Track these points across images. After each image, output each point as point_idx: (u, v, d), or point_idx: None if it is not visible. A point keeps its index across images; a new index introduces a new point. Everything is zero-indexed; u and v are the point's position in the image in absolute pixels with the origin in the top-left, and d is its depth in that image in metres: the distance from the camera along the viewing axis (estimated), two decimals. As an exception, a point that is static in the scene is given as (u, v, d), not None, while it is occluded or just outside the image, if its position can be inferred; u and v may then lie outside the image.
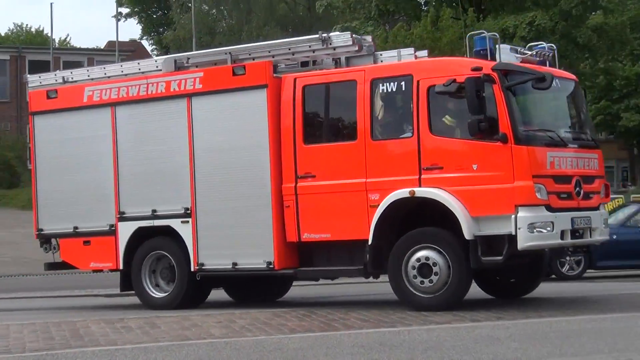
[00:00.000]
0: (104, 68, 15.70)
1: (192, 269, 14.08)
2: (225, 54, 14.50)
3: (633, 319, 11.56)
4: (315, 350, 9.73)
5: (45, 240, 15.41)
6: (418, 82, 12.75)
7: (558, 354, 9.26)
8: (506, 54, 12.96)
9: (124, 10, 63.79)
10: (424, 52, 14.56)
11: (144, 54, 50.66)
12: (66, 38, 72.76)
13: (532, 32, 35.95)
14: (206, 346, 10.11)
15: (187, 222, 14.06)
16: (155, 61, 15.23)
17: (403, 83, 12.92)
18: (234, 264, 13.88)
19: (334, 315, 12.64)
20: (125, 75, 15.05)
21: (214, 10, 58.98)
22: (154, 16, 66.11)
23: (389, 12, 40.39)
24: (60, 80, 15.61)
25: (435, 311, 12.38)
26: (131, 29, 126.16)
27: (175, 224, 14.17)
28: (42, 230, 15.37)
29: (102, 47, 59.92)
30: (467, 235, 12.31)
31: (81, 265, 15.42)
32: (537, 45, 13.76)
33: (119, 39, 45.51)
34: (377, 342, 10.14)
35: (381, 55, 14.08)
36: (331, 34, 14.13)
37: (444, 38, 31.11)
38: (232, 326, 11.75)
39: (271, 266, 13.52)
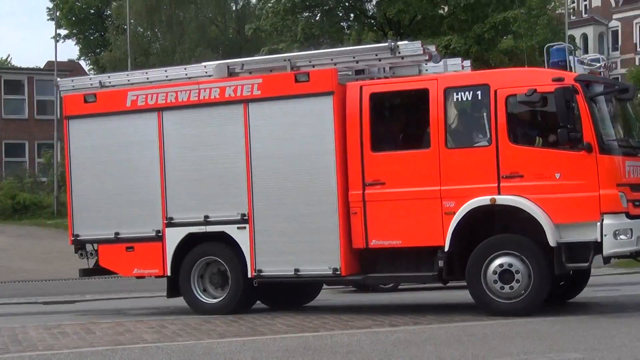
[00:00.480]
0: (147, 73, 14.96)
1: (249, 275, 13.40)
2: (285, 60, 13.88)
3: (543, 323, 11.78)
4: (242, 354, 9.84)
5: (82, 246, 14.39)
6: (495, 91, 12.40)
7: (470, 357, 9.48)
8: (576, 66, 12.87)
9: (63, 32, 63.59)
10: (467, 62, 14.17)
11: (82, 74, 50.41)
12: (7, 58, 72.48)
13: (448, 54, 36.68)
14: (139, 350, 10.16)
15: (244, 228, 13.35)
16: (205, 67, 14.47)
17: (479, 92, 12.57)
18: (296, 270, 13.19)
19: (260, 320, 12.72)
20: (170, 80, 14.33)
21: (148, 32, 58.87)
22: (91, 37, 65.84)
23: (314, 36, 40.90)
24: (97, 84, 14.74)
25: (515, 316, 12.17)
26: (69, 50, 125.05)
27: (230, 230, 13.44)
28: (78, 236, 14.30)
29: (41, 67, 59.37)
30: (552, 242, 12.07)
31: (123, 271, 14.48)
32: (595, 57, 13.73)
33: (58, 59, 45.12)
34: (301, 347, 10.27)
35: (425, 64, 13.55)
36: (399, 42, 13.66)
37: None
38: (164, 331, 11.79)
39: (338, 272, 12.96)
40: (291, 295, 14.74)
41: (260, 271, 13.32)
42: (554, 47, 12.98)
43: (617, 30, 67.85)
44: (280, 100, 13.20)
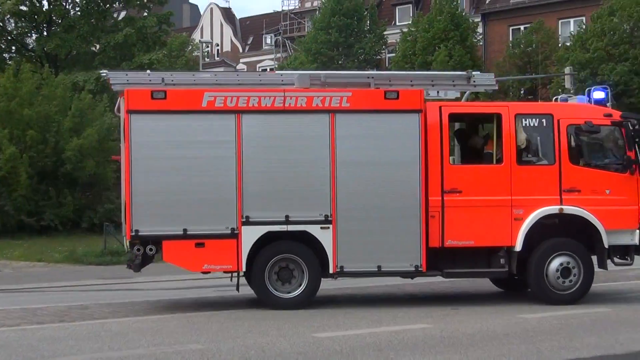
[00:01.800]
0: (216, 75, 13.90)
1: (331, 271, 13.11)
2: (368, 77, 13.87)
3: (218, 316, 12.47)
4: None
5: (141, 241, 12.97)
6: (559, 120, 13.57)
7: (107, 349, 9.97)
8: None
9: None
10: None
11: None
12: None
13: (99, 86, 37.03)
14: None
15: (327, 228, 13.02)
16: (281, 75, 14.16)
17: (544, 120, 13.60)
18: (379, 267, 13.21)
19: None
20: (241, 84, 13.59)
21: None
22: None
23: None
24: (159, 81, 13.34)
25: (569, 304, 13.13)
26: None
27: (313, 230, 13.03)
28: (138, 231, 12.89)
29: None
30: (606, 244, 13.40)
31: (191, 267, 13.23)
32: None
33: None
34: None
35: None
36: (474, 72, 14.31)
37: (24, 87, 31.92)
38: None
39: (420, 269, 13.18)
40: None
41: (342, 267, 13.16)
42: (596, 88, 14.66)
43: (244, 71, 72.25)
44: (368, 113, 13.26)
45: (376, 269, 13.25)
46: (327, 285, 16.14)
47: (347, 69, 53.03)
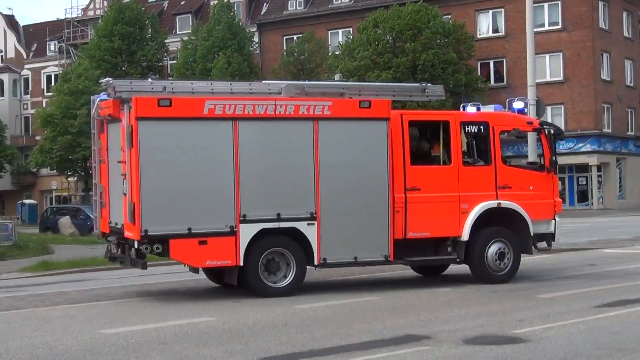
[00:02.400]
0: (211, 85, 14.23)
1: (316, 263, 13.75)
2: (343, 88, 14.70)
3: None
4: None
5: (150, 240, 12.91)
6: (493, 127, 14.89)
7: None
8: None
9: None
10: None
11: None
12: None
13: None
14: None
15: (313, 224, 13.67)
16: (268, 85, 14.64)
17: (482, 127, 14.89)
18: (355, 258, 13.97)
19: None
20: (233, 93, 13.87)
21: None
22: None
23: None
24: (159, 89, 13.43)
25: (504, 283, 14.52)
26: None
27: (301, 226, 13.64)
28: (147, 231, 12.85)
29: None
30: (532, 232, 14.98)
31: (196, 263, 13.53)
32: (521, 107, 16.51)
33: None
34: None
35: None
36: (428, 84, 15.56)
37: None
38: None
39: (388, 258, 14.06)
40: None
41: (325, 259, 13.78)
42: (515, 100, 16.63)
43: (29, 77, 70.05)
44: (345, 120, 13.97)
45: (353, 260, 14.06)
46: (111, 284, 15.83)
47: (130, 75, 52.30)
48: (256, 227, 13.41)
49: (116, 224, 13.95)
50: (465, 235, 14.51)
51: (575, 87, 54.34)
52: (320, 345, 9.35)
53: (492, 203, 14.76)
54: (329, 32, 59.78)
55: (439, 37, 51.14)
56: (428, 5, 51.64)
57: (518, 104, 16.24)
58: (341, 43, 54.04)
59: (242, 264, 13.36)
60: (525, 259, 15.97)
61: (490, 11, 56.32)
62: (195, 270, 14.44)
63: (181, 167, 13.16)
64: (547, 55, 54.18)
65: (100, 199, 14.49)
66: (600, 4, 54.56)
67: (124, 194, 13.33)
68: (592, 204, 55.23)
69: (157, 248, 13.04)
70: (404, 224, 14.23)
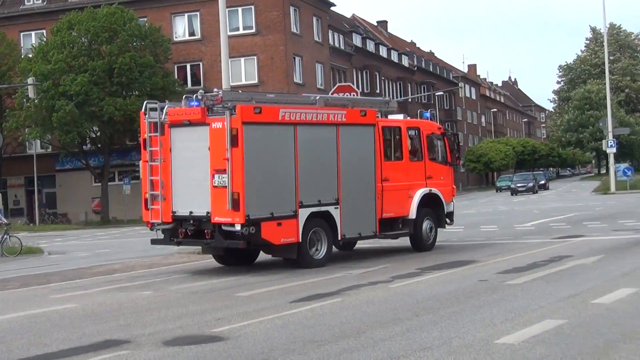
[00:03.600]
0: (275, 95, 18.06)
1: (339, 238, 17.31)
2: (348, 101, 19.32)
3: None
4: None
5: (249, 223, 15.50)
6: (423, 131, 19.78)
7: None
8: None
9: None
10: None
11: None
12: None
13: None
14: None
15: (337, 208, 17.07)
16: (310, 97, 18.37)
17: (416, 131, 19.66)
18: (359, 233, 17.77)
19: None
20: (289, 102, 17.30)
21: None
22: None
23: None
24: (249, 98, 16.57)
25: (431, 250, 19.28)
26: None
27: (331, 209, 16.98)
28: (249, 216, 15.50)
29: None
30: (446, 211, 20.02)
31: (275, 240, 16.06)
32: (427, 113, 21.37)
33: None
34: None
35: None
36: (390, 99, 21.67)
37: None
38: None
39: (376, 233, 18.02)
40: (241, 257, 17.85)
41: (344, 235, 17.37)
42: (424, 111, 21.85)
43: None
44: (354, 126, 17.61)
45: (358, 235, 17.85)
46: None
47: None
48: (308, 211, 16.53)
49: (190, 212, 16.17)
50: (412, 215, 18.93)
51: (270, 90, 56.34)
52: (17, 356, 8.94)
53: (426, 190, 19.36)
54: (21, 34, 57.10)
55: (135, 40, 50.66)
56: (123, 7, 50.96)
57: (427, 114, 21.16)
58: (34, 45, 51.80)
59: (300, 240, 16.36)
60: (206, 261, 16.70)
61: (186, 14, 56.77)
62: (211, 251, 17.89)
63: (266, 162, 15.94)
64: (243, 59, 55.71)
65: (161, 193, 16.51)
66: (291, 9, 56.95)
67: (215, 186, 15.71)
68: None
69: (252, 229, 15.61)
70: (382, 206, 18.08)
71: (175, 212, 16.34)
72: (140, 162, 17.52)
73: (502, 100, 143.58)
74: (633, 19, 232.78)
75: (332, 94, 27.77)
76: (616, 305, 9.94)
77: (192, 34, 57.40)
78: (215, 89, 16.86)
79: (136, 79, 49.77)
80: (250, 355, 8.27)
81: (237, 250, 16.83)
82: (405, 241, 19.75)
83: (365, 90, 73.09)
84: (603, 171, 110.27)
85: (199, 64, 57.33)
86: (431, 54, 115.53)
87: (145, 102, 16.90)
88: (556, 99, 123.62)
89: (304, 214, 16.33)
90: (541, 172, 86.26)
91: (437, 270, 14.90)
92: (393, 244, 20.95)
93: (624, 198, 46.76)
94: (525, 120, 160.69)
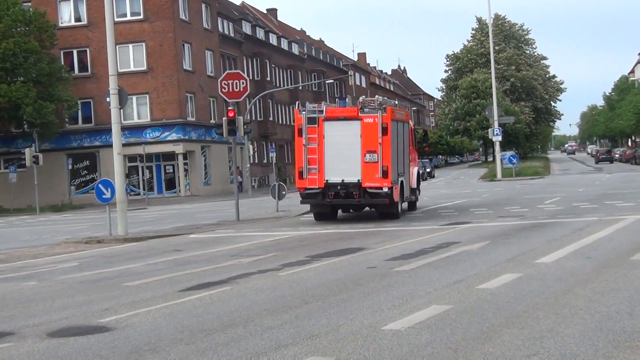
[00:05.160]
0: (395, 101, 27.39)
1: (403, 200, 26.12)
2: (384, 102, 25.27)
3: None
4: None
5: (390, 187, 24.11)
6: (411, 126, 27.97)
7: None
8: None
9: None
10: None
11: None
12: None
13: None
14: None
15: (402, 179, 25.50)
16: (398, 103, 26.95)
17: (407, 125, 26.89)
18: (408, 198, 27.01)
19: None
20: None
21: None
22: None
23: None
24: (379, 101, 24.82)
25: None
26: None
27: (402, 179, 25.53)
28: (393, 182, 24.32)
29: None
30: (413, 185, 27.87)
31: (395, 198, 24.81)
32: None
33: None
34: None
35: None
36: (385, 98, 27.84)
37: None
38: None
39: (410, 198, 27.29)
40: (331, 215, 26.10)
41: (404, 198, 25.97)
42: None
43: None
44: (406, 123, 26.35)
45: (408, 199, 26.72)
46: None
47: None
48: (400, 180, 25.17)
49: (342, 180, 23.92)
50: (414, 185, 27.65)
51: (160, 77, 55.57)
52: None
53: (416, 168, 28.36)
54: None
55: (19, 25, 49.11)
56: (4, -10, 49.26)
57: (345, 102, 26.52)
58: None
59: (397, 200, 24.79)
60: (94, 250, 15.97)
61: (72, 0, 55.32)
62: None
63: (397, 146, 24.44)
64: (131, 45, 54.72)
65: (315, 166, 23.90)
66: (180, -5, 56.25)
67: (366, 162, 23.71)
68: (179, 191, 56.98)
69: (389, 191, 23.89)
70: (410, 180, 27.12)
71: (327, 180, 23.99)
72: (295, 145, 24.87)
73: (392, 89, 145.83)
74: (517, 11, 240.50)
75: (221, 81, 27.60)
76: (501, 291, 10.22)
77: (78, 19, 55.99)
78: (362, 97, 26.34)
79: (21, 64, 48.27)
80: (137, 346, 8.16)
81: (332, 211, 25.61)
82: (292, 229, 19.71)
83: (255, 78, 72.98)
84: (490, 159, 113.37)
85: (86, 50, 55.99)
86: (321, 42, 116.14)
87: (297, 102, 25.75)
88: (444, 87, 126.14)
89: (399, 181, 24.91)
90: (427, 159, 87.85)
91: (327, 258, 15.00)
92: (286, 234, 20.98)
93: (510, 185, 48.23)
94: (415, 108, 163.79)
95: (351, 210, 26.97)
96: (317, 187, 23.93)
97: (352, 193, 23.95)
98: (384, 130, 23.62)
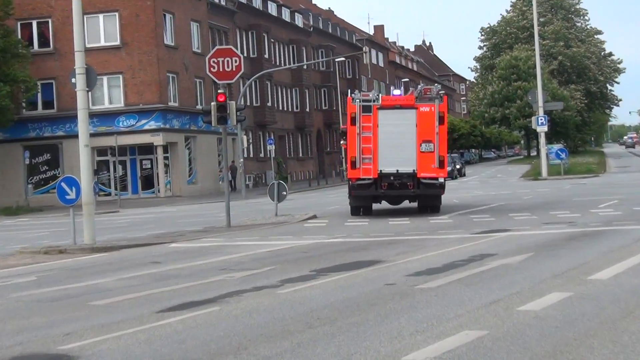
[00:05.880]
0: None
1: None
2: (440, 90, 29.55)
3: None
4: None
5: (444, 178, 29.17)
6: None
7: None
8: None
9: None
10: None
11: None
12: None
13: None
14: None
15: None
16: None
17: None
18: None
19: None
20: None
21: None
22: None
23: None
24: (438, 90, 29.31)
25: None
26: None
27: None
28: (449, 172, 34.45)
29: None
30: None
31: (443, 191, 29.50)
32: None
33: None
34: None
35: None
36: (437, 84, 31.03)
37: None
38: None
39: None
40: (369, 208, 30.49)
41: None
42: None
43: None
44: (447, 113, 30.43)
45: None
46: None
47: None
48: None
49: (397, 170, 27.86)
50: None
51: (135, 54, 55.59)
52: None
53: None
54: None
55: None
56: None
57: (396, 92, 30.97)
58: None
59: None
60: (55, 262, 15.95)
61: (30, -40, 55.42)
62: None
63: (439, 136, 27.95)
64: (101, 15, 54.87)
65: (369, 155, 27.63)
66: (161, -45, 56.26)
67: (422, 152, 27.61)
68: (158, 192, 57.04)
69: (444, 181, 28.38)
70: None
71: (381, 170, 27.66)
72: (348, 134, 28.39)
73: (415, 68, 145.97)
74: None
75: (209, 59, 27.57)
76: (546, 313, 10.16)
77: (37, -17, 56.04)
78: (421, 84, 30.37)
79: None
80: (105, 380, 8.12)
81: (372, 204, 29.68)
82: (297, 238, 19.67)
83: (251, 55, 73.04)
84: (533, 153, 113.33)
85: (48, 21, 56.10)
86: (330, 12, 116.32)
87: (349, 90, 29.86)
88: (478, 67, 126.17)
89: None
90: (457, 154, 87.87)
91: (335, 273, 14.97)
92: (286, 244, 20.95)
93: (557, 185, 48.19)
94: (442, 92, 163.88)
95: (380, 203, 30.37)
96: (371, 177, 27.66)
97: (406, 184, 27.81)
98: (441, 120, 27.65)
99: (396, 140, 27.73)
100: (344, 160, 56.01)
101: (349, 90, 30.15)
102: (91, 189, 23.41)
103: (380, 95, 28.85)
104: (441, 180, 28.00)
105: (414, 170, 27.67)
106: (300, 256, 18.22)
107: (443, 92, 28.62)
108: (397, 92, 31.53)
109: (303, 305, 11.66)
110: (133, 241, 23.85)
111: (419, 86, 29.28)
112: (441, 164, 27.58)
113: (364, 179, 27.79)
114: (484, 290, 12.07)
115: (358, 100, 27.97)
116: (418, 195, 28.54)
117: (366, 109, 27.91)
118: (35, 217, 45.28)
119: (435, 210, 28.88)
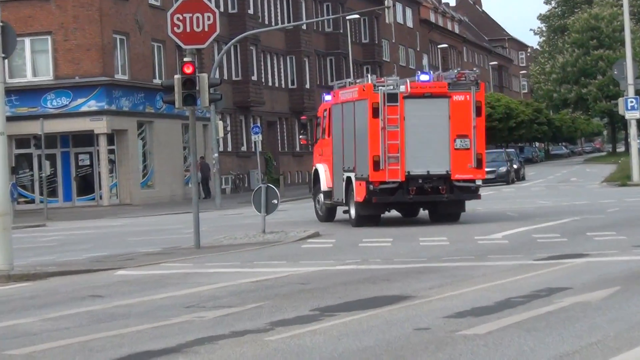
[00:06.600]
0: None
1: None
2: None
3: None
4: None
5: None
6: None
7: None
8: None
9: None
10: None
11: None
12: None
13: None
14: None
15: None
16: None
17: None
18: None
19: None
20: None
21: None
22: None
23: None
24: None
25: None
26: None
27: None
28: (486, 172, 31.62)
29: None
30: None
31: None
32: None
33: None
34: None
35: None
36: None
37: None
38: None
39: None
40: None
41: None
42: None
43: None
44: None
45: None
46: None
47: None
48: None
49: (428, 171, 30.50)
50: None
51: (70, 7, 55.79)
52: None
53: None
54: None
55: None
56: None
57: (423, 77, 32.33)
58: None
59: None
60: None
61: None
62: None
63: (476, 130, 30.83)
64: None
65: (396, 154, 30.12)
66: None
67: (456, 149, 30.35)
68: (100, 198, 57.05)
69: (481, 183, 31.87)
70: None
71: (409, 172, 30.28)
72: (369, 128, 30.66)
73: (457, 31, 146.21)
74: None
75: (172, 14, 27.58)
76: (638, 370, 10.17)
77: None
78: (457, 69, 32.63)
79: None
80: None
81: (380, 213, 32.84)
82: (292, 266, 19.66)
83: (230, 10, 73.12)
84: (620, 149, 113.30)
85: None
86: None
87: (368, 75, 31.77)
88: (544, 29, 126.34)
89: None
90: (513, 149, 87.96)
91: (346, 313, 14.96)
92: (278, 272, 20.97)
93: (652, 193, 48.15)
94: (495, 63, 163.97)
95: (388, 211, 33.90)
96: (398, 179, 30.49)
97: (438, 188, 30.75)
98: (478, 111, 30.49)
99: (426, 135, 30.74)
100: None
101: (368, 76, 34.07)
102: (7, 193, 23.39)
103: (400, 82, 31.40)
104: (479, 182, 31.50)
105: (447, 171, 30.70)
106: (296, 289, 18.24)
107: (479, 78, 30.92)
108: (424, 76, 33.03)
109: (300, 357, 11.67)
110: (65, 266, 23.87)
111: (451, 71, 32.53)
112: (479, 164, 30.61)
113: (389, 183, 30.52)
114: (551, 339, 12.08)
115: (382, 88, 30.49)
116: (447, 202, 31.48)
117: (391, 97, 30.42)
118: None
119: (454, 218, 32.25)
